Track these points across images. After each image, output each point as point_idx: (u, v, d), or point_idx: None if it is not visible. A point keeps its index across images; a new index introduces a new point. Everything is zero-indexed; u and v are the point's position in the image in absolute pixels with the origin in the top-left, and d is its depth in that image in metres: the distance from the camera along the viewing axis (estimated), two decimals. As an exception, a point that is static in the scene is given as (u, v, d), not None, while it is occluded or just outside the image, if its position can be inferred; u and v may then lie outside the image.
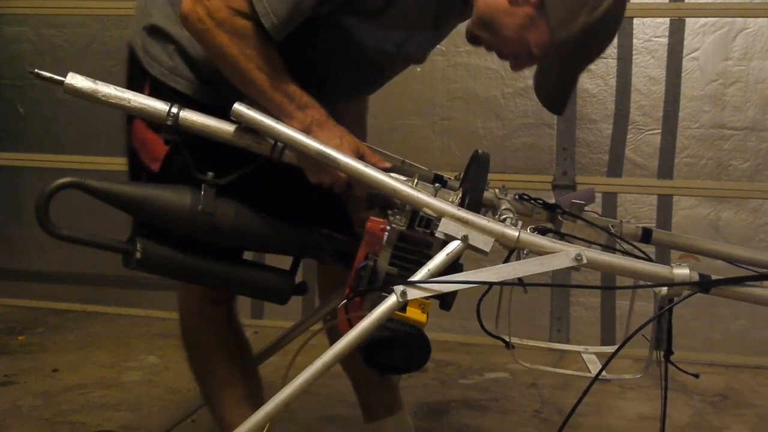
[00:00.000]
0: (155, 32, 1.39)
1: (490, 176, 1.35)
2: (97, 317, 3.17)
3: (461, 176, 1.44)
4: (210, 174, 1.27)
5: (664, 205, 2.82)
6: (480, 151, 1.36)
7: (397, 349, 1.16)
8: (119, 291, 3.18)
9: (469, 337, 2.86)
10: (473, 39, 1.40)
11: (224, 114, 1.24)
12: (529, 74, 2.97)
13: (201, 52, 1.34)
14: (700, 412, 2.32)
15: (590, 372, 1.44)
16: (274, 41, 1.26)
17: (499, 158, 2.88)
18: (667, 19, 2.77)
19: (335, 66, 1.41)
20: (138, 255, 1.27)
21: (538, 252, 1.17)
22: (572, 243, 1.33)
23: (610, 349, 1.20)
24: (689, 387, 2.51)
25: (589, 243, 1.38)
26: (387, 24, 1.35)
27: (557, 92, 1.40)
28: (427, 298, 1.14)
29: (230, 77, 1.28)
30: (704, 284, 1.16)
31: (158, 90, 1.36)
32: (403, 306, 1.13)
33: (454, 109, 2.92)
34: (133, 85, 1.38)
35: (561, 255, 1.15)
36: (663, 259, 2.52)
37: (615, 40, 2.78)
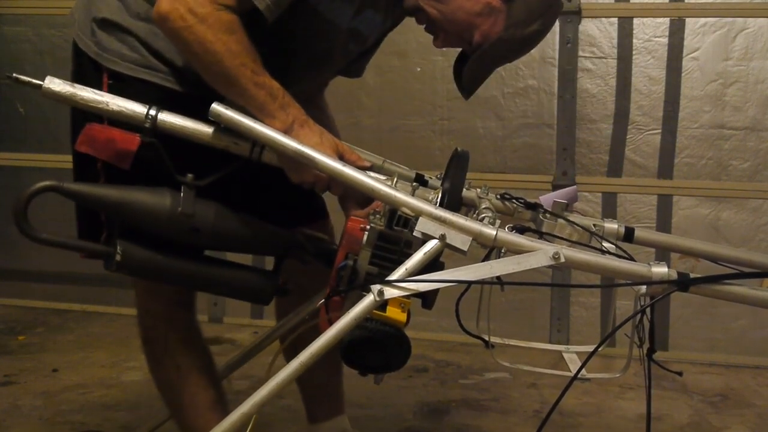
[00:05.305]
0: (108, 26, 1.34)
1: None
2: (97, 317, 3.17)
3: (442, 175, 1.44)
4: (189, 175, 1.26)
5: (664, 205, 2.82)
6: (459, 149, 1.36)
7: (376, 348, 1.16)
8: (119, 291, 3.18)
9: (469, 337, 2.85)
10: (412, 9, 1.42)
11: (202, 103, 1.21)
12: (530, 74, 2.98)
13: (163, 44, 1.31)
14: (700, 412, 2.32)
15: (571, 371, 1.44)
16: (265, 22, 1.24)
17: (499, 158, 2.88)
18: (667, 19, 2.77)
19: (290, 45, 1.39)
20: (118, 257, 1.26)
21: (516, 251, 1.17)
22: (553, 242, 1.33)
23: (591, 348, 1.20)
24: (689, 387, 2.51)
25: (570, 242, 1.38)
26: None
27: (478, 80, 1.48)
28: (407, 297, 1.14)
29: (209, 76, 1.24)
30: (682, 282, 1.16)
31: (125, 85, 1.32)
32: (383, 305, 1.13)
33: (454, 109, 2.92)
34: (85, 84, 1.31)
35: (539, 253, 1.16)
36: (663, 259, 2.52)
37: (615, 40, 2.80)
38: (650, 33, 2.79)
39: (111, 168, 1.28)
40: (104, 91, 1.30)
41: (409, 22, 1.58)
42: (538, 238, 1.24)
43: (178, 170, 1.26)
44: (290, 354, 1.23)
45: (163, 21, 1.21)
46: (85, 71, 1.37)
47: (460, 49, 1.51)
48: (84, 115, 1.30)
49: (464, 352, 2.80)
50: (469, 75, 1.46)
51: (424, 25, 1.45)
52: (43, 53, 3.20)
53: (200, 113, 1.23)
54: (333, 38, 1.41)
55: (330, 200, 1.54)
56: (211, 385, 1.51)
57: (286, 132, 1.24)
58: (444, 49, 1.53)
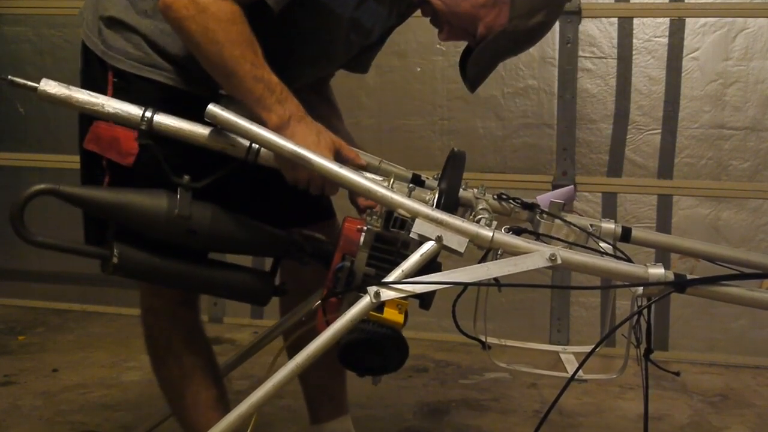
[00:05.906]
0: (115, 24, 1.35)
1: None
2: (97, 317, 3.17)
3: (439, 176, 1.44)
4: (186, 177, 1.26)
5: (664, 205, 2.82)
6: (456, 149, 1.36)
7: (374, 350, 1.16)
8: (119, 291, 3.18)
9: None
10: (418, 1, 1.44)
11: (206, 102, 1.20)
12: (530, 74, 2.97)
13: (169, 40, 1.32)
14: (700, 412, 2.32)
15: (567, 372, 1.44)
16: (271, 13, 1.24)
17: (499, 158, 2.88)
18: (667, 19, 2.77)
19: (292, 40, 1.39)
20: (115, 260, 1.26)
21: (513, 252, 1.17)
22: (550, 243, 1.33)
23: (588, 348, 1.20)
24: (689, 387, 2.51)
25: (567, 243, 1.38)
26: None
27: (482, 74, 1.49)
28: (404, 298, 1.14)
29: (210, 67, 1.25)
30: (679, 284, 1.16)
31: (129, 83, 1.33)
32: (380, 307, 1.13)
33: (454, 109, 2.92)
34: (92, 83, 1.35)
35: (535, 255, 1.16)
36: (663, 260, 2.53)
37: (615, 40, 2.80)
38: (650, 33, 2.79)
39: (115, 166, 1.29)
40: (110, 90, 1.32)
41: (410, 22, 1.58)
42: (535, 239, 1.24)
43: (176, 172, 1.26)
44: (293, 353, 1.24)
45: (167, 10, 1.21)
46: (93, 70, 1.38)
47: (464, 47, 1.51)
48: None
49: (464, 352, 2.80)
50: (473, 68, 1.46)
51: (429, 18, 1.45)
52: (43, 53, 3.20)
53: (203, 112, 1.23)
54: (335, 30, 1.41)
55: (336, 201, 1.54)
56: (213, 384, 1.51)
57: (282, 127, 1.23)
58: (445, 48, 1.53)
